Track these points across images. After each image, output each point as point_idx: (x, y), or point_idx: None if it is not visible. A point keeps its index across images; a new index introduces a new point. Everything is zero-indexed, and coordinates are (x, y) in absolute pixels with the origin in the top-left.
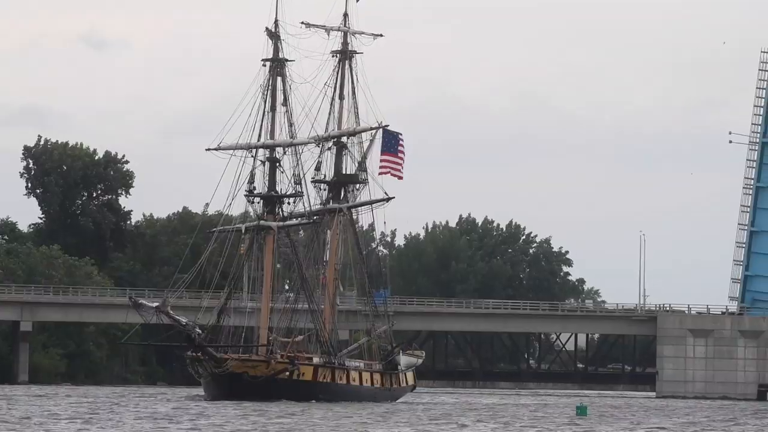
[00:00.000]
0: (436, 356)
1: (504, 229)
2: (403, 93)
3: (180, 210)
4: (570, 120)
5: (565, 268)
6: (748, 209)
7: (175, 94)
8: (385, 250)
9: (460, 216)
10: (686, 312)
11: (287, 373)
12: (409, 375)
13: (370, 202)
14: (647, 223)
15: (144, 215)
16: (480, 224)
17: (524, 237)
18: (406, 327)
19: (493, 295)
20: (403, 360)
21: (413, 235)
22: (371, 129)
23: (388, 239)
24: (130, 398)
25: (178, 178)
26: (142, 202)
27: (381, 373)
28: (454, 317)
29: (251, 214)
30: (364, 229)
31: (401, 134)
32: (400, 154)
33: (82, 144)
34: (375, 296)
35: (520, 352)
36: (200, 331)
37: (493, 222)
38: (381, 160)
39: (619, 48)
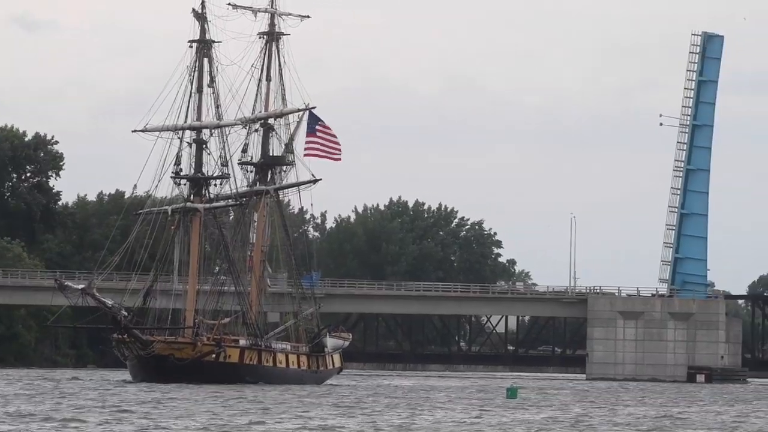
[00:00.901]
0: (367, 339)
1: (435, 212)
2: (334, 75)
3: (113, 192)
4: (500, 103)
5: (495, 251)
6: (679, 192)
7: (106, 75)
8: (316, 233)
9: (391, 199)
10: (616, 294)
11: (213, 356)
12: (336, 357)
13: (297, 184)
14: (578, 205)
15: (78, 196)
16: (411, 207)
17: (456, 220)
18: (337, 309)
19: (423, 278)
20: (330, 342)
21: (344, 217)
22: (298, 111)
23: (319, 222)
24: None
25: (110, 159)
26: (75, 184)
27: (308, 355)
28: (384, 300)
29: (178, 195)
30: (295, 212)
31: (321, 119)
32: (328, 136)
33: (12, 126)
34: (305, 279)
35: (450, 334)
36: (126, 314)
37: (424, 204)
38: (306, 142)
39: (549, 30)
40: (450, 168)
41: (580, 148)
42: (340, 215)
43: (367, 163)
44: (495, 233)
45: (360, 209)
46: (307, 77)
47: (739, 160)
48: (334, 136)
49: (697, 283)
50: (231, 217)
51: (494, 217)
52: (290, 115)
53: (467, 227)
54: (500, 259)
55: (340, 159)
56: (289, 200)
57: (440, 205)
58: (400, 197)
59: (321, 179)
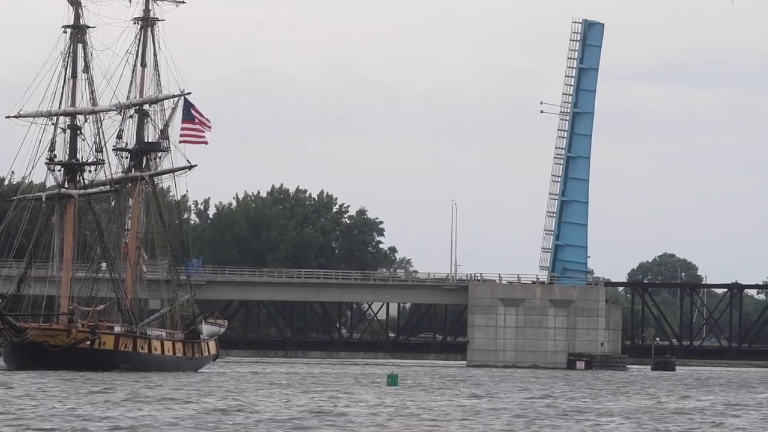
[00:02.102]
0: (248, 326)
1: (316, 199)
2: (215, 63)
3: None
4: (382, 91)
5: (377, 238)
6: (559, 179)
7: None
8: (197, 219)
9: (273, 186)
10: (497, 281)
11: (88, 343)
12: (212, 344)
13: (172, 170)
14: (459, 192)
15: None
16: (292, 194)
17: (336, 207)
18: (218, 297)
19: (305, 265)
20: (206, 329)
21: (225, 204)
22: (173, 97)
23: (201, 208)
24: None
25: None
26: None
27: (183, 342)
28: (265, 286)
29: (52, 182)
30: (176, 199)
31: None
32: (197, 122)
33: None
34: (186, 266)
35: (331, 321)
36: (0, 300)
37: (305, 192)
38: (181, 129)
39: (430, 18)
40: (331, 156)
41: (462, 135)
42: (221, 202)
43: (250, 151)
44: (381, 221)
45: (241, 196)
46: (189, 64)
47: (620, 147)
48: (208, 120)
49: (577, 270)
50: (113, 204)
51: (375, 204)
52: (165, 101)
53: (348, 214)
54: (381, 247)
55: (206, 142)
56: (169, 187)
57: (321, 192)
58: (281, 185)
59: (196, 165)
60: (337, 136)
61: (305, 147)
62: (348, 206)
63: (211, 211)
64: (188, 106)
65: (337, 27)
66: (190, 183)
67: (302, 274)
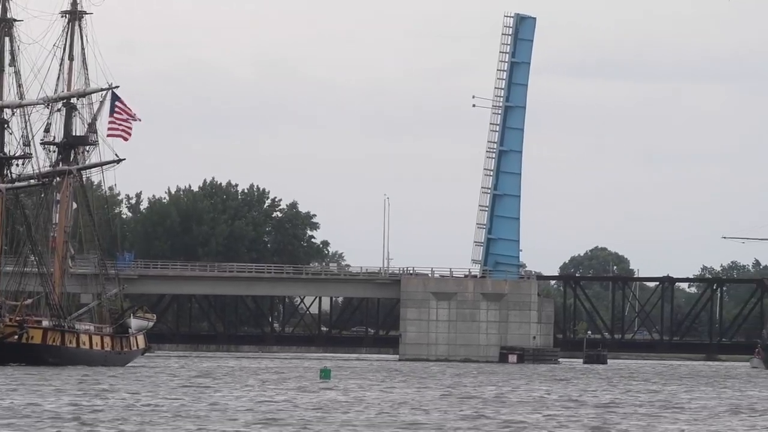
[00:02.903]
0: (180, 320)
1: (247, 193)
2: (147, 57)
3: None
4: (315, 85)
5: (309, 231)
6: (492, 173)
7: None
8: (129, 213)
9: (204, 180)
10: (429, 275)
11: (16, 337)
12: (140, 338)
13: (100, 164)
14: (392, 186)
15: None
16: (224, 187)
17: (268, 201)
18: (150, 291)
19: (236, 259)
20: (134, 323)
21: (157, 198)
22: (101, 90)
23: (133, 202)
24: None
25: None
26: None
27: (111, 336)
28: (197, 280)
29: None
30: (107, 193)
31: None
32: (125, 115)
33: None
34: (118, 260)
35: (264, 315)
36: None
37: (236, 185)
38: (109, 122)
39: (363, 12)
40: (264, 150)
41: (395, 129)
42: (154, 195)
43: (182, 145)
44: (314, 215)
45: (173, 190)
46: (120, 58)
47: (552, 141)
48: (135, 115)
49: (509, 263)
50: (43, 197)
51: (308, 198)
52: (94, 95)
53: (280, 208)
54: (314, 241)
55: (127, 138)
56: (100, 182)
57: (252, 185)
58: (213, 178)
59: (124, 159)
60: (269, 130)
61: (238, 141)
62: (280, 200)
63: (143, 205)
64: (115, 99)
65: (272, 20)
66: (123, 177)
67: (234, 268)
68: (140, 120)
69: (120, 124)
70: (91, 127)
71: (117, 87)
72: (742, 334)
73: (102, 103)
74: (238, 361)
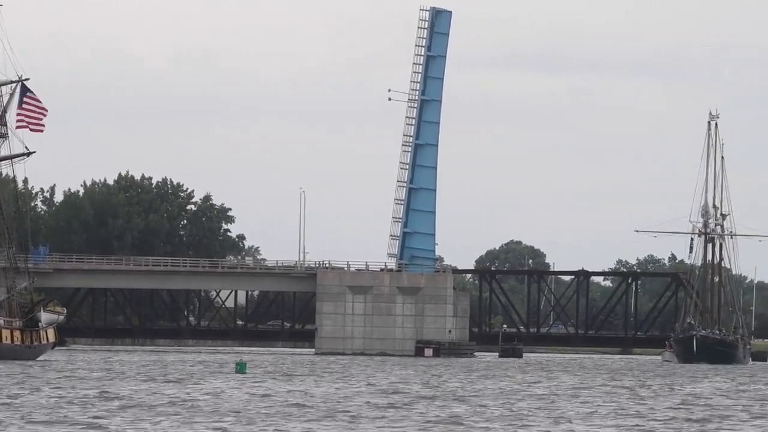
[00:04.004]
0: (96, 314)
1: (162, 185)
2: (63, 48)
3: None
4: (230, 78)
5: (225, 225)
6: (407, 166)
7: None
8: (44, 207)
9: (119, 173)
10: (345, 269)
11: None
12: (50, 332)
13: (10, 157)
14: (308, 179)
15: None
16: (138, 181)
17: (184, 193)
18: (65, 284)
19: (152, 252)
20: (44, 317)
21: (72, 192)
22: (11, 83)
23: (48, 195)
24: None
25: None
26: None
27: (21, 330)
28: (113, 274)
29: None
30: (18, 186)
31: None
32: (34, 107)
33: None
34: (33, 253)
35: (179, 309)
36: None
37: (151, 178)
38: (18, 114)
39: (283, 5)
40: (179, 142)
41: (311, 122)
42: (69, 189)
43: (97, 138)
44: (229, 208)
45: (89, 183)
46: (36, 50)
47: (468, 134)
48: (44, 109)
49: (425, 257)
50: None
51: (223, 191)
52: (3, 87)
53: (195, 200)
54: (229, 234)
55: (42, 131)
56: (14, 175)
57: (165, 178)
58: (128, 172)
59: (35, 152)
60: (185, 123)
61: (153, 134)
62: (192, 191)
63: (58, 199)
64: (25, 92)
65: (188, 12)
66: (37, 170)
67: (150, 261)
68: (47, 113)
69: (29, 117)
70: (1, 120)
71: (27, 79)
72: (657, 328)
73: (12, 95)
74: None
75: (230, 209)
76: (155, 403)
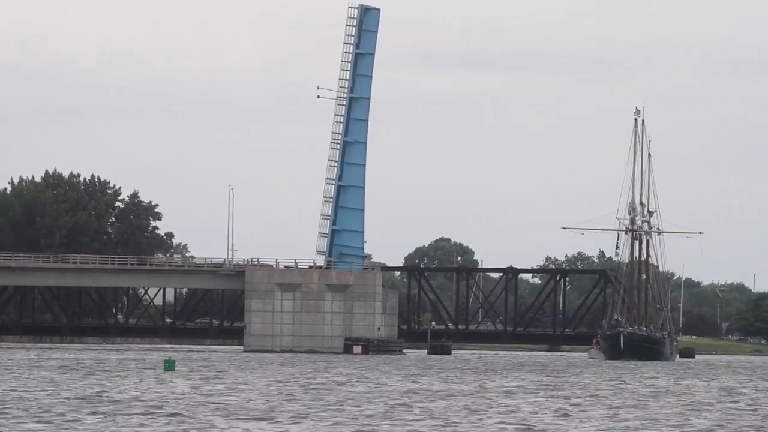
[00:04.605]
0: (24, 311)
1: (89, 183)
2: None
3: None
4: (160, 76)
5: (153, 222)
6: (336, 164)
7: None
8: None
9: (46, 171)
10: (274, 266)
11: None
12: None
13: None
14: (237, 177)
15: None
16: (67, 178)
17: (111, 191)
18: None
19: (80, 250)
20: None
21: None
22: None
23: None
24: None
25: None
26: None
27: None
28: (41, 272)
29: None
30: None
31: None
32: None
33: None
34: None
35: (107, 306)
36: None
37: (79, 176)
38: None
39: (211, 3)
40: (106, 140)
41: (240, 120)
42: None
43: (24, 136)
44: (156, 205)
45: (16, 181)
46: None
47: (397, 132)
48: None
49: (354, 255)
50: None
51: (151, 189)
52: None
53: (122, 198)
54: (157, 231)
55: None
56: None
57: (93, 176)
58: (55, 169)
59: None
60: (112, 120)
61: (81, 131)
62: (120, 188)
63: None
64: None
65: (116, 11)
66: None
67: (78, 259)
68: None
69: None
70: None
71: None
72: (585, 325)
73: None
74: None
75: (157, 205)
76: None
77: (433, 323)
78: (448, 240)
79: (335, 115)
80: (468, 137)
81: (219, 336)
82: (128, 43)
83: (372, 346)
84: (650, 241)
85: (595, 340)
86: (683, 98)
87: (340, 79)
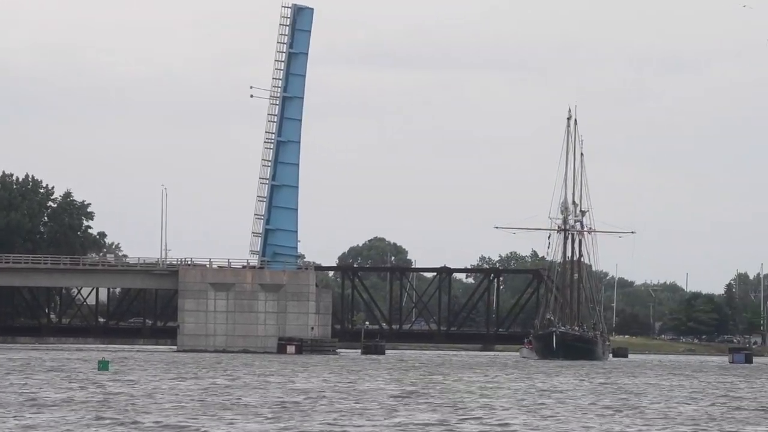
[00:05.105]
0: None
1: (22, 183)
2: None
3: None
4: (94, 74)
5: (85, 222)
6: (269, 163)
7: None
8: None
9: None
10: (207, 266)
11: None
12: None
13: None
14: (170, 177)
15: None
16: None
17: (43, 190)
18: None
19: (12, 250)
20: None
21: None
22: None
23: None
24: None
25: None
26: None
27: None
28: None
29: None
30: None
31: None
32: None
33: None
34: None
35: (40, 306)
36: None
37: (12, 176)
38: None
39: (150, 1)
40: (40, 139)
41: (174, 119)
42: None
43: None
44: (89, 204)
45: None
46: None
47: (331, 131)
48: None
49: (287, 254)
50: None
51: (83, 188)
52: None
53: (54, 197)
54: (90, 231)
55: None
56: None
57: (27, 175)
58: None
59: None
60: (46, 119)
61: (14, 131)
62: (53, 188)
63: None
64: None
65: (54, 9)
66: None
67: (10, 259)
68: None
69: None
70: None
71: None
72: (519, 325)
73: None
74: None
75: (89, 204)
76: None
77: (367, 323)
78: (382, 240)
79: (269, 114)
80: (401, 136)
81: (152, 336)
82: (61, 41)
83: (306, 346)
84: (583, 240)
85: (527, 340)
86: (616, 97)
87: (273, 78)
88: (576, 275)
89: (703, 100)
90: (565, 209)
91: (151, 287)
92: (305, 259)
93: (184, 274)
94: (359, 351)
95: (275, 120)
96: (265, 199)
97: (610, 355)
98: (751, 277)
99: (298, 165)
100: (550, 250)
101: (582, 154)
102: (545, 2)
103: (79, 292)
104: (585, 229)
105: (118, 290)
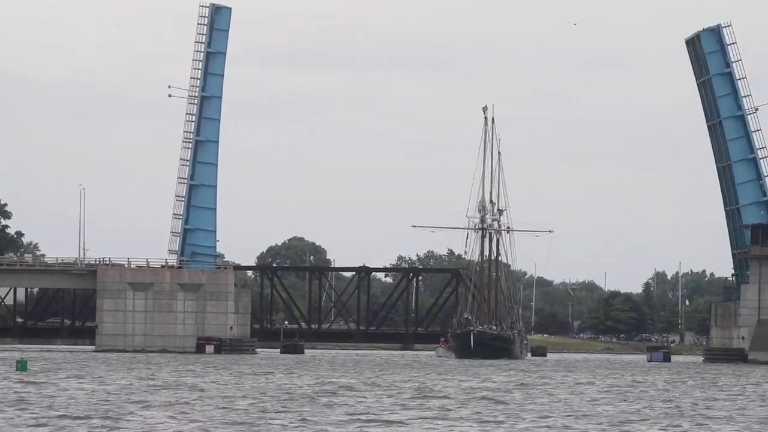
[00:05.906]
0: None
1: None
2: None
3: None
4: (9, 72)
5: (3, 221)
6: (188, 163)
7: None
8: None
9: None
10: (126, 265)
11: None
12: None
13: None
14: (88, 176)
15: None
16: None
17: None
18: None
19: None
20: None
21: None
22: None
23: None
24: None
25: None
26: None
27: None
28: None
29: None
30: None
31: None
32: None
33: None
34: None
35: None
36: None
37: None
38: None
39: (67, 4)
40: None
41: (91, 118)
42: None
43: None
44: (5, 204)
45: None
46: None
47: (249, 130)
48: None
49: (206, 254)
50: None
51: (0, 187)
52: None
53: None
54: (7, 231)
55: None
56: None
57: None
58: None
59: None
60: None
61: None
62: None
63: None
64: None
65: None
66: None
67: None
68: None
69: None
70: None
71: None
72: (438, 324)
73: None
74: None
75: (6, 204)
76: None
77: (286, 322)
78: (301, 239)
79: (187, 114)
80: (319, 136)
81: (71, 336)
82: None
83: (225, 346)
84: (500, 239)
85: (443, 339)
86: (533, 96)
87: (191, 77)
88: (494, 274)
89: (619, 98)
90: (482, 208)
91: (70, 287)
92: (224, 259)
93: (102, 274)
94: (278, 350)
95: (193, 119)
96: (183, 199)
97: (529, 354)
98: (669, 277)
99: (216, 164)
100: (468, 249)
101: (499, 152)
102: (461, 1)
103: None
104: (503, 228)
105: (36, 290)
